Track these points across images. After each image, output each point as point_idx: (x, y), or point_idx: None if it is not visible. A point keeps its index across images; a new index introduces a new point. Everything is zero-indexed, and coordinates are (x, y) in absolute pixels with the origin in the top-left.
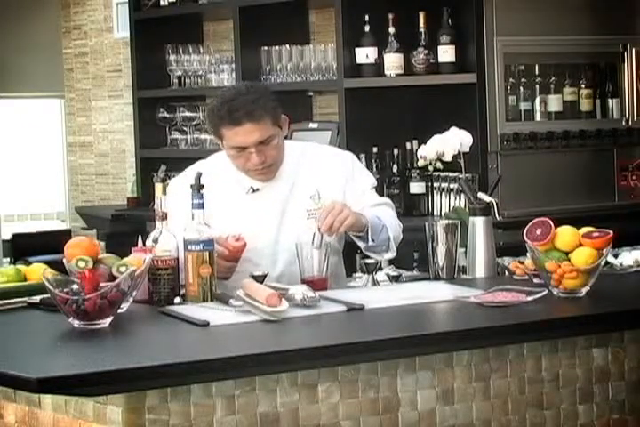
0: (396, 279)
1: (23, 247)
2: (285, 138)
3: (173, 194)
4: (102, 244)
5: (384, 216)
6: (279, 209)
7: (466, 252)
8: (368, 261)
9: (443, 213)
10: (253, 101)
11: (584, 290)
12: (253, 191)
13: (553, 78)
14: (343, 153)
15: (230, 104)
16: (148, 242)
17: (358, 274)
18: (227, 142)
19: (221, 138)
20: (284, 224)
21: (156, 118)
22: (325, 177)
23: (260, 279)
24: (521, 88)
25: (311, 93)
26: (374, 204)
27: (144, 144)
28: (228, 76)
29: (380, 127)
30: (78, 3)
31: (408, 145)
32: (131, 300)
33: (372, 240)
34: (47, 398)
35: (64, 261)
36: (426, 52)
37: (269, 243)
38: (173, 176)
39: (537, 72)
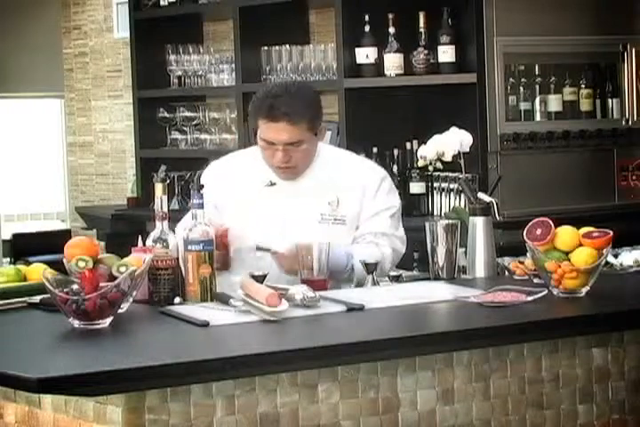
0: (396, 279)
1: (23, 247)
2: None
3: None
4: (102, 244)
5: (362, 253)
6: (292, 206)
7: (466, 252)
8: (368, 261)
9: (443, 213)
10: (295, 103)
11: (584, 290)
12: (271, 185)
13: (553, 78)
14: (376, 169)
15: (273, 100)
16: (148, 242)
17: None
18: (260, 133)
19: (257, 127)
20: (293, 222)
21: (156, 118)
22: (347, 186)
23: (260, 279)
24: (521, 88)
25: None
26: (377, 232)
27: (144, 144)
28: (228, 76)
29: (380, 127)
30: (78, 3)
31: (408, 145)
32: (131, 300)
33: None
34: (47, 398)
35: (64, 261)
36: (426, 52)
37: (276, 238)
38: (173, 176)
39: (537, 72)
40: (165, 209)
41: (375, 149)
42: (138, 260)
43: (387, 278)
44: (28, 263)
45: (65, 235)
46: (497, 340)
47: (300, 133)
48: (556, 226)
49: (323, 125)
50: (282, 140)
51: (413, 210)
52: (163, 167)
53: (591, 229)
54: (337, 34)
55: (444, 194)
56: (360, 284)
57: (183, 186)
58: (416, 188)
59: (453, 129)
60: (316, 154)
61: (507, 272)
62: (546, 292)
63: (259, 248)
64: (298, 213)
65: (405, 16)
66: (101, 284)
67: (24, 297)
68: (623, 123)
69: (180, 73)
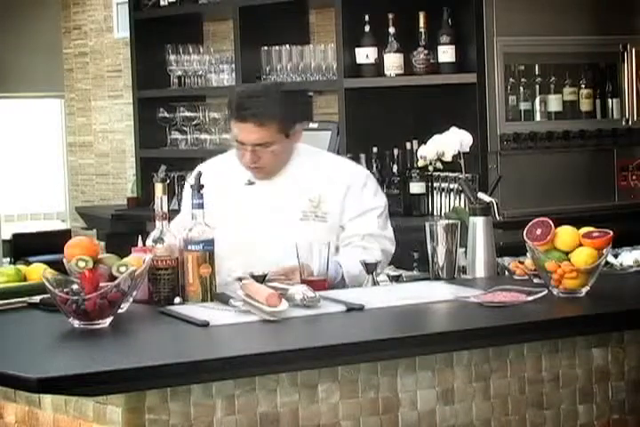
0: (396, 279)
1: (23, 247)
2: None
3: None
4: (102, 244)
5: (350, 262)
6: (273, 204)
7: (466, 252)
8: (368, 261)
9: (443, 213)
10: (265, 104)
11: (584, 290)
12: (249, 184)
13: (553, 78)
14: (359, 169)
15: (243, 100)
16: (148, 242)
17: None
18: (232, 133)
19: (230, 127)
20: (275, 220)
21: (156, 118)
22: (328, 184)
23: (260, 279)
24: (521, 88)
25: (311, 93)
26: (365, 234)
27: (144, 144)
28: (228, 76)
29: (380, 127)
30: (78, 3)
31: (408, 145)
32: (131, 300)
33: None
34: (47, 398)
35: (64, 261)
36: (426, 52)
37: (259, 236)
38: (173, 176)
39: (537, 72)
40: (165, 209)
41: (375, 149)
42: (138, 260)
43: (387, 278)
44: (28, 263)
45: (65, 235)
46: (497, 340)
47: (269, 135)
48: (556, 226)
49: (298, 128)
50: (250, 141)
51: (413, 210)
52: (163, 167)
53: (591, 229)
54: (337, 34)
55: (443, 194)
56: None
57: (183, 186)
58: (416, 188)
59: (453, 129)
60: (291, 154)
61: (507, 272)
62: (546, 292)
63: (254, 277)
64: (279, 211)
65: (405, 16)
66: (101, 284)
67: (24, 297)
68: (623, 123)
69: (180, 73)
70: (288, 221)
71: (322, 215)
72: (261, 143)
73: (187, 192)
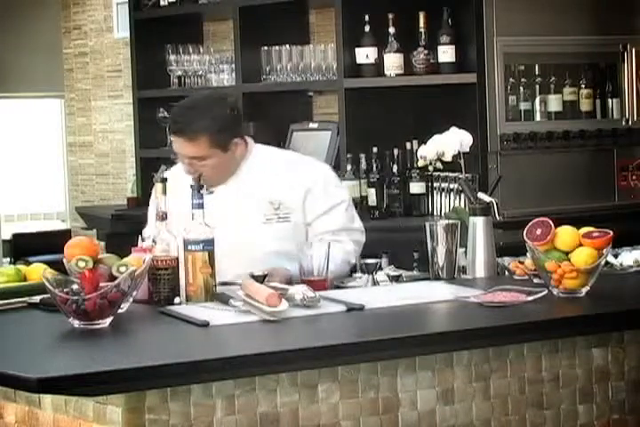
0: (396, 279)
1: (23, 247)
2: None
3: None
4: (102, 244)
5: (323, 254)
6: (234, 211)
7: (466, 252)
8: (368, 261)
9: (443, 213)
10: (196, 119)
11: (584, 290)
12: (209, 193)
13: (553, 78)
14: (315, 165)
15: (176, 114)
16: (148, 242)
17: (358, 274)
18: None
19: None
20: (238, 226)
21: (156, 118)
22: (288, 183)
23: (260, 279)
24: (521, 88)
25: (311, 93)
26: (335, 229)
27: (144, 144)
28: (228, 76)
29: (380, 127)
30: (78, 3)
31: (408, 145)
32: (131, 300)
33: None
34: (47, 398)
35: (64, 261)
36: (426, 52)
37: (225, 243)
38: None
39: (537, 72)
40: (165, 209)
41: (375, 149)
42: (138, 260)
43: (387, 278)
44: (28, 263)
45: (65, 235)
46: (497, 340)
47: (200, 150)
48: (556, 226)
49: (238, 141)
50: (184, 155)
51: (413, 210)
52: (163, 167)
53: (591, 229)
54: (337, 34)
55: (443, 194)
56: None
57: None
58: (416, 188)
59: (453, 129)
60: (237, 165)
61: (507, 272)
62: (546, 292)
63: (223, 283)
64: (242, 217)
65: (405, 16)
66: (101, 284)
67: (24, 297)
68: (623, 123)
69: (180, 73)
70: (252, 225)
71: (284, 216)
72: (195, 157)
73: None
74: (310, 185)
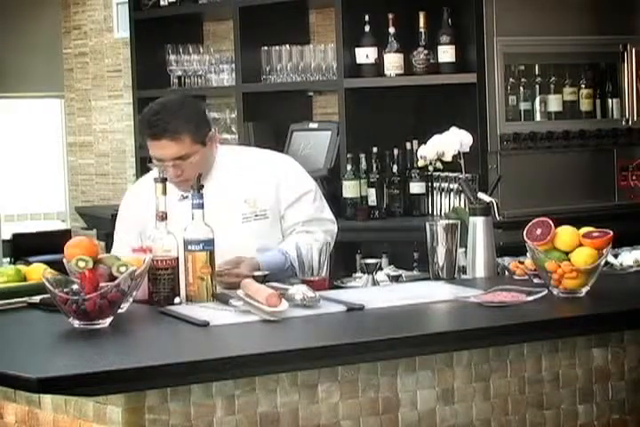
0: (395, 279)
1: (23, 247)
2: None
3: (122, 205)
4: (102, 244)
5: (293, 246)
6: (211, 213)
7: (466, 252)
8: (368, 261)
9: (443, 213)
10: (174, 119)
11: (584, 290)
12: (184, 198)
13: (553, 78)
14: (279, 158)
15: (150, 118)
16: (148, 242)
17: (358, 274)
18: (150, 152)
19: (147, 147)
20: (216, 228)
21: None
22: (259, 180)
23: (260, 279)
24: (521, 88)
25: (311, 93)
26: (304, 220)
27: (144, 144)
28: (228, 76)
29: (380, 127)
30: (78, 3)
31: (408, 145)
32: (131, 300)
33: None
34: (47, 398)
35: (64, 261)
36: (426, 52)
37: None
38: None
39: (537, 72)
40: (165, 209)
41: (375, 149)
42: (138, 260)
43: (387, 278)
44: (28, 263)
45: (65, 235)
46: (497, 340)
47: (185, 147)
48: (556, 226)
49: (212, 133)
50: (168, 156)
51: (413, 210)
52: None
53: (591, 229)
54: (337, 34)
55: (443, 194)
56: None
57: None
58: (416, 188)
59: (453, 129)
60: (213, 160)
61: (507, 272)
62: (546, 292)
63: (254, 277)
64: (218, 218)
65: (405, 16)
66: (101, 284)
67: (24, 297)
68: (623, 123)
69: (180, 73)
70: (230, 225)
71: (261, 213)
72: (180, 156)
73: (126, 202)
74: (279, 177)
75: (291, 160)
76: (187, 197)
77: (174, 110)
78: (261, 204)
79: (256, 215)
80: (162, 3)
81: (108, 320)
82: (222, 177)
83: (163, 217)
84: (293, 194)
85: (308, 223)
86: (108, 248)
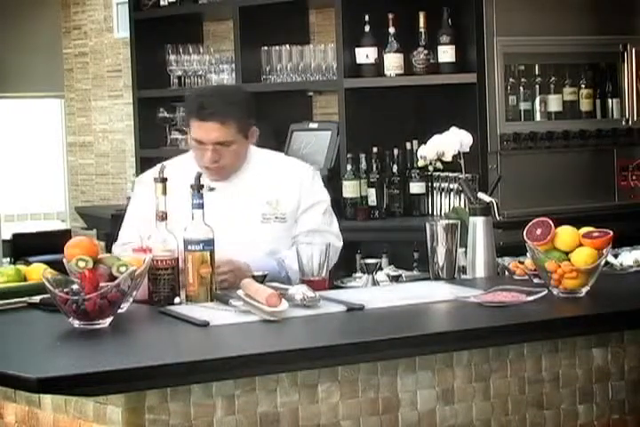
0: (395, 279)
1: (23, 247)
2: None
3: (135, 193)
4: (102, 244)
5: (294, 256)
6: (233, 209)
7: (466, 252)
8: (368, 261)
9: (443, 213)
10: (226, 104)
11: (584, 290)
12: (210, 190)
13: (553, 78)
14: (304, 165)
15: (204, 99)
16: (148, 242)
17: (358, 274)
18: (191, 133)
19: (189, 127)
20: (237, 225)
21: (156, 118)
22: (284, 184)
23: (260, 279)
24: (521, 88)
25: (311, 93)
26: (309, 230)
27: (144, 144)
28: (228, 76)
29: (380, 127)
30: (78, 3)
31: (408, 145)
32: (131, 300)
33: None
34: (47, 398)
35: (64, 261)
36: (426, 52)
37: (223, 242)
38: None
39: (537, 72)
40: (165, 209)
41: (375, 149)
42: (138, 260)
43: (387, 278)
44: (28, 263)
45: (65, 235)
46: (497, 340)
47: (230, 134)
48: (556, 226)
49: (254, 129)
50: (211, 139)
51: (413, 210)
52: (163, 167)
53: (591, 229)
54: (337, 34)
55: (443, 194)
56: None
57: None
58: (416, 188)
59: (453, 129)
60: (246, 156)
61: (507, 272)
62: (546, 292)
63: (254, 277)
64: (239, 215)
65: (405, 16)
66: (101, 284)
67: (24, 297)
68: (623, 123)
69: (180, 73)
70: (249, 224)
71: (281, 216)
72: (222, 142)
73: (141, 191)
74: (303, 183)
75: (314, 170)
76: (214, 188)
77: (228, 96)
78: (283, 207)
79: (276, 217)
80: (162, 3)
81: (108, 320)
82: (249, 176)
83: (163, 217)
84: (309, 200)
85: (312, 234)
86: (109, 248)
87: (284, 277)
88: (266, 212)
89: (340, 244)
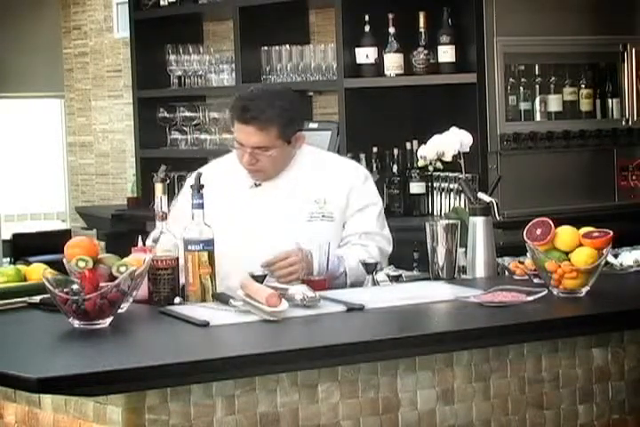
0: (395, 279)
1: (23, 247)
2: None
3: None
4: (102, 244)
5: (351, 255)
6: (279, 206)
7: (466, 252)
8: (368, 261)
9: (443, 213)
10: (268, 109)
11: (584, 290)
12: (256, 186)
13: (553, 78)
14: (357, 166)
15: (247, 102)
16: (148, 242)
17: None
18: (234, 133)
19: (233, 127)
20: (282, 222)
21: (156, 118)
22: (333, 184)
23: (260, 279)
24: (521, 88)
25: (311, 93)
26: (362, 232)
27: (144, 144)
28: (228, 76)
29: (380, 127)
30: (78, 3)
31: (408, 145)
32: (131, 300)
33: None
34: (47, 398)
35: (64, 261)
36: (426, 52)
37: (267, 239)
38: (173, 176)
39: (537, 72)
40: (165, 209)
41: (375, 149)
42: (138, 260)
43: (387, 278)
44: (28, 263)
45: (65, 235)
46: (497, 340)
47: (269, 140)
48: (556, 226)
49: (300, 134)
50: (249, 144)
51: (413, 210)
52: (163, 167)
53: (591, 229)
54: (337, 34)
55: (443, 194)
56: (354, 286)
57: (183, 186)
58: (416, 188)
59: (453, 129)
60: (291, 159)
61: (507, 272)
62: (546, 292)
63: (254, 277)
64: (285, 213)
65: (405, 16)
66: (101, 284)
67: (24, 297)
68: (623, 123)
69: (180, 73)
70: (295, 222)
71: (328, 215)
72: (260, 146)
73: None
74: (353, 183)
75: (367, 172)
76: (259, 184)
77: (273, 100)
78: (330, 206)
79: (323, 216)
80: (162, 3)
81: (108, 320)
82: (298, 175)
83: (163, 217)
84: (361, 202)
85: (366, 236)
86: (108, 248)
87: (341, 274)
88: (313, 210)
89: (390, 248)
